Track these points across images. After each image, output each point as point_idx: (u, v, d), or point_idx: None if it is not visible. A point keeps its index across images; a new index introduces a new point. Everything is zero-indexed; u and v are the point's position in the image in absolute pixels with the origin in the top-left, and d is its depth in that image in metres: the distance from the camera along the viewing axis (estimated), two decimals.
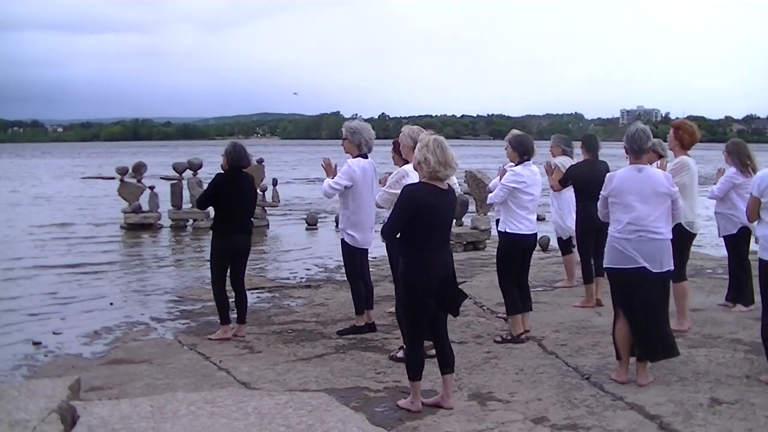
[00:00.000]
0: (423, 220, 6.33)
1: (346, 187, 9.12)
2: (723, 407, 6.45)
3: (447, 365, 6.60)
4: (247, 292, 9.73)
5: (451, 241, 7.19)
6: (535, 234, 8.95)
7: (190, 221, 22.42)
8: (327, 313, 10.57)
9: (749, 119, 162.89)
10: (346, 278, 9.76)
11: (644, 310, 6.98)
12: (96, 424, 5.67)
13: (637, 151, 7.16)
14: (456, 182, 8.26)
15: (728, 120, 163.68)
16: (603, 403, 6.66)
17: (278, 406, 6.17)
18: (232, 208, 9.18)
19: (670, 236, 7.10)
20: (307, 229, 22.85)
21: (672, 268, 7.13)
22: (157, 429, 5.65)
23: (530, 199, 8.74)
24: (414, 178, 7.29)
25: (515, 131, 9.54)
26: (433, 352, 6.88)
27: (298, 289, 12.92)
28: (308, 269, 15.37)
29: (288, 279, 14.18)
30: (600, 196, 7.35)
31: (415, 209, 6.33)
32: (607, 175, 7.40)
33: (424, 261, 6.36)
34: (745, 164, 9.69)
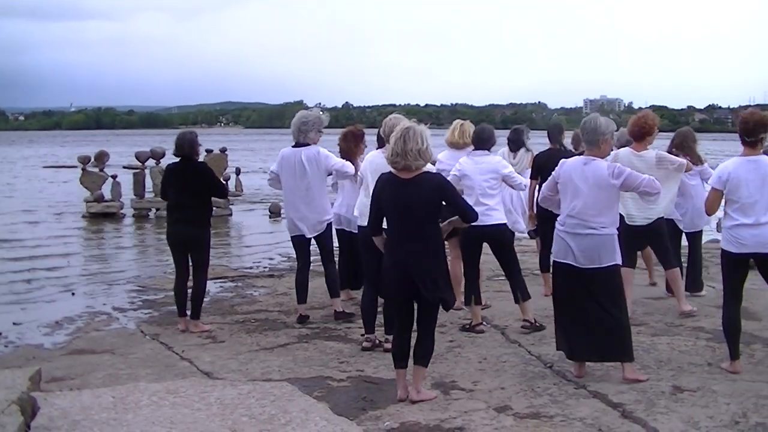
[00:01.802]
0: (385, 209, 6.42)
1: (274, 173, 9.38)
2: (685, 395, 6.51)
3: (417, 357, 6.51)
4: (208, 282, 9.57)
5: None
6: (488, 226, 8.56)
7: (153, 210, 22.26)
8: (290, 302, 10.50)
9: (711, 109, 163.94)
10: None
11: (578, 306, 6.90)
12: (57, 415, 5.63)
13: (589, 142, 7.04)
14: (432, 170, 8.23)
15: (690, 109, 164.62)
16: (566, 391, 6.69)
17: (241, 396, 6.15)
18: (169, 198, 9.17)
19: (613, 231, 6.93)
20: (270, 218, 22.78)
21: (615, 262, 6.91)
22: (118, 420, 5.61)
23: (468, 191, 8.59)
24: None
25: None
26: (388, 346, 6.90)
27: (261, 278, 12.87)
28: (271, 258, 15.31)
29: (251, 268, 14.11)
30: (549, 177, 7.28)
31: (380, 199, 6.45)
32: (561, 160, 7.28)
33: (388, 250, 6.46)
34: (669, 151, 9.77)
